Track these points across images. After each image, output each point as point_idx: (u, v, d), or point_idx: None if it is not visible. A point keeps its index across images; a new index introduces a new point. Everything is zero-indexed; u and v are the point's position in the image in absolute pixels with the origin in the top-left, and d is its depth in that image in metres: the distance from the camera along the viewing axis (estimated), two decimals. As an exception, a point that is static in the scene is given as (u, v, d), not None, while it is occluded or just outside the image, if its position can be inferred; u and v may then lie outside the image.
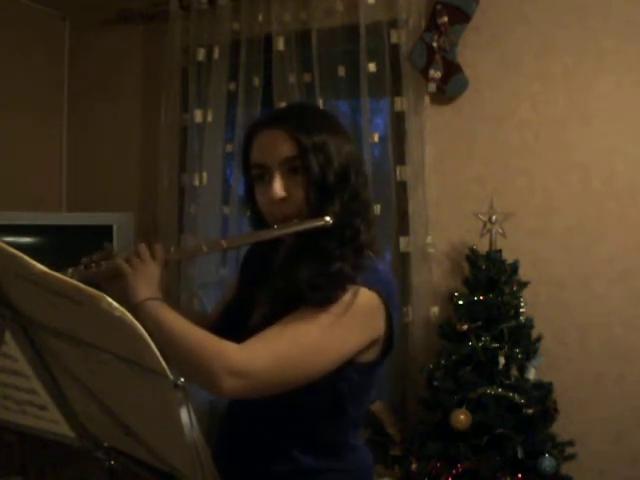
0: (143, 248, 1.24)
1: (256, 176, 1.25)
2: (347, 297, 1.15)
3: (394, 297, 1.24)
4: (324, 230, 1.18)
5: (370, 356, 1.22)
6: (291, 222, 1.21)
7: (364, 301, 1.16)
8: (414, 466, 2.39)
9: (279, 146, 1.20)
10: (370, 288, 1.18)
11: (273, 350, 1.12)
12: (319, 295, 1.14)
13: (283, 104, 2.91)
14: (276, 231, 1.23)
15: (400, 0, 2.78)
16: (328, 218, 1.18)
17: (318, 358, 1.14)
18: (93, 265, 1.25)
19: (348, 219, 1.21)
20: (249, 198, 1.32)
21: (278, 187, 1.20)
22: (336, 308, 1.14)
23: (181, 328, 1.13)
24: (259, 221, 1.30)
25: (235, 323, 1.28)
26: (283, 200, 1.20)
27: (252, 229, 1.35)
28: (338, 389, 1.20)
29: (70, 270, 1.23)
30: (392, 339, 1.23)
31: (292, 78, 2.94)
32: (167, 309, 1.16)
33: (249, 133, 1.28)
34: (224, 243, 1.26)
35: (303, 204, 1.20)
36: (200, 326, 1.15)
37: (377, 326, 1.20)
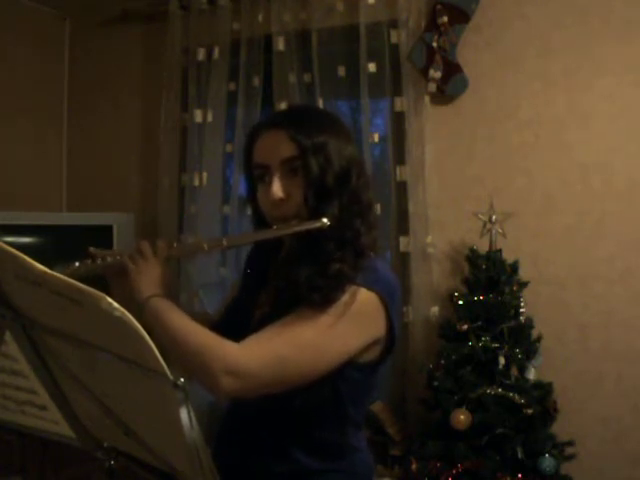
0: (145, 245, 1.25)
1: (257, 176, 1.26)
2: (346, 298, 1.15)
3: (395, 296, 1.24)
4: (324, 231, 1.18)
5: (371, 356, 1.22)
6: (290, 223, 1.21)
7: (363, 302, 1.16)
8: (414, 466, 2.39)
9: (279, 147, 1.21)
10: (369, 288, 1.17)
11: (270, 350, 1.12)
12: (318, 296, 1.14)
13: (283, 104, 2.92)
14: (275, 232, 1.24)
15: (400, 0, 2.78)
16: (325, 220, 1.17)
17: (316, 359, 1.15)
18: (99, 259, 1.27)
19: (348, 221, 1.20)
20: (251, 198, 1.32)
21: (277, 188, 1.20)
22: (335, 309, 1.14)
23: (183, 327, 1.14)
24: (261, 221, 1.30)
25: (237, 323, 1.28)
26: (282, 201, 1.21)
27: (254, 228, 1.36)
28: (338, 389, 1.20)
29: (77, 263, 1.25)
30: (394, 338, 1.23)
31: (292, 78, 2.94)
32: (170, 307, 1.17)
33: (251, 134, 1.29)
34: (225, 242, 1.27)
35: (302, 205, 1.20)
36: (202, 324, 1.16)
37: (377, 326, 1.20)
